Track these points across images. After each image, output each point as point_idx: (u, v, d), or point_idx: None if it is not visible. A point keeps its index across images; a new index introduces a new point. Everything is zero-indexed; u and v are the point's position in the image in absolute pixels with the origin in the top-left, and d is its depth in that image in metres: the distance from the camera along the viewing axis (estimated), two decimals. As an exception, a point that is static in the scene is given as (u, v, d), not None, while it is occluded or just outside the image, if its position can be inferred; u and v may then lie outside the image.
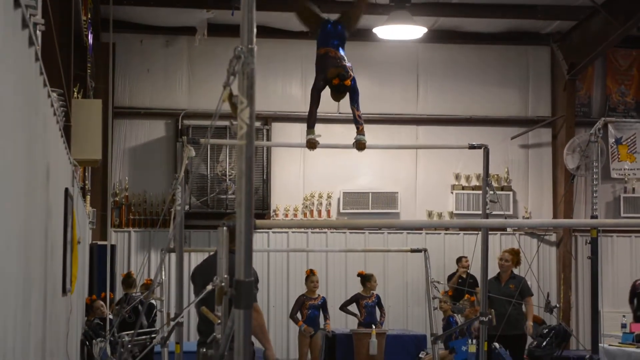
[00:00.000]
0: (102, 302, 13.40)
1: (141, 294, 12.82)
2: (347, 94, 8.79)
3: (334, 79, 8.68)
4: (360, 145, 8.93)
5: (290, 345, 17.23)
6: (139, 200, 17.55)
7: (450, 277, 16.52)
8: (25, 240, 4.74)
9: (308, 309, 14.54)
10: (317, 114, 8.96)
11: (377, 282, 15.32)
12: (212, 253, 8.38)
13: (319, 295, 14.71)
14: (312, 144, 8.92)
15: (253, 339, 7.75)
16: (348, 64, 8.78)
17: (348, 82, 8.68)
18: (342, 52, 8.84)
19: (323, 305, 14.68)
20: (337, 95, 8.84)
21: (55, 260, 7.08)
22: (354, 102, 8.79)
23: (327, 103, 9.25)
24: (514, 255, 12.68)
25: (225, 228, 6.32)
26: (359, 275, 15.33)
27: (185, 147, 9.53)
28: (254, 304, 7.59)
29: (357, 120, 8.85)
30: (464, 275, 16.40)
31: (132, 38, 17.54)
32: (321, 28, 8.91)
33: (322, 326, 14.75)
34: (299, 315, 14.64)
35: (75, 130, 10.46)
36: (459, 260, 16.90)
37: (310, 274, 14.79)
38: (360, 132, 8.88)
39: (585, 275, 17.78)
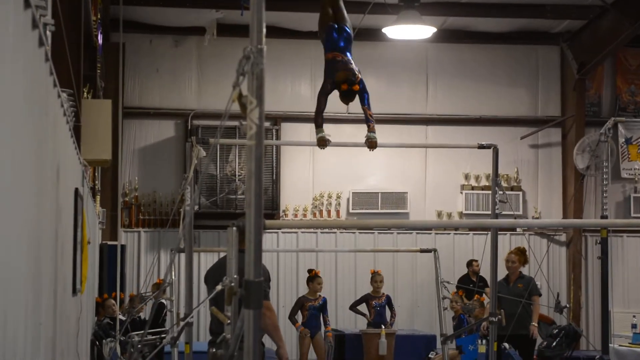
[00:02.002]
0: (113, 301, 13.43)
1: (152, 294, 12.85)
2: (357, 96, 8.85)
3: (342, 83, 8.74)
4: (371, 143, 8.98)
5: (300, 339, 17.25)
6: (149, 201, 17.57)
7: (460, 280, 16.49)
8: (35, 240, 4.75)
9: (308, 310, 14.51)
10: (327, 115, 9.02)
11: (383, 282, 15.26)
12: (223, 255, 8.40)
13: (319, 296, 14.68)
14: (323, 142, 8.95)
15: (265, 337, 7.78)
16: (355, 68, 8.82)
17: (356, 87, 8.76)
18: (349, 56, 8.88)
19: (323, 307, 14.62)
20: (346, 99, 8.92)
21: (65, 261, 7.10)
22: (365, 102, 8.87)
23: (336, 103, 9.26)
24: (520, 256, 12.65)
25: (234, 228, 6.33)
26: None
27: (194, 147, 9.54)
28: (267, 302, 7.65)
29: (369, 119, 8.94)
30: (474, 279, 16.39)
31: (142, 38, 17.57)
32: (327, 32, 8.95)
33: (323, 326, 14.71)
34: (299, 316, 14.61)
35: (85, 130, 10.48)
36: (469, 264, 16.88)
37: (316, 276, 14.74)
38: (371, 129, 8.97)
39: (595, 276, 17.76)
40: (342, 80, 8.73)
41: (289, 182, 17.81)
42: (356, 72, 8.80)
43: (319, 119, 8.92)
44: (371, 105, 8.96)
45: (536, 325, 12.41)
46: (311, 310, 14.48)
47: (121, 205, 17.04)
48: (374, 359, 14.59)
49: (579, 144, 17.96)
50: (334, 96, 8.95)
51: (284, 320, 17.10)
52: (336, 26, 8.93)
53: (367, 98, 8.89)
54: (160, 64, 17.74)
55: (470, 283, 16.10)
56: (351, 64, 8.82)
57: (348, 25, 9.02)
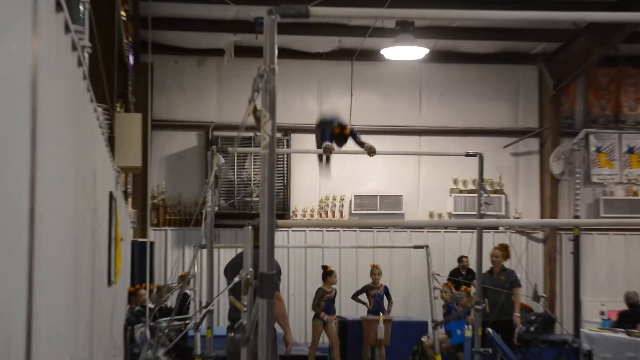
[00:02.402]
0: (144, 291, 13.43)
1: (178, 285, 12.84)
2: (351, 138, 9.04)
3: (336, 128, 9.02)
4: (370, 150, 8.99)
5: (307, 330, 17.24)
6: (174, 202, 17.58)
7: (452, 273, 16.47)
8: (75, 237, 4.76)
9: (325, 300, 14.51)
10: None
11: (381, 274, 15.21)
12: (240, 250, 8.41)
13: (333, 288, 14.70)
14: (328, 149, 8.98)
15: (275, 324, 7.78)
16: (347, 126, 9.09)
17: (347, 131, 8.98)
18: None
19: (334, 298, 14.66)
20: (339, 143, 9.08)
21: (101, 255, 7.11)
22: (356, 138, 9.07)
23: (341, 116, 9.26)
24: (504, 251, 12.67)
25: (250, 227, 6.35)
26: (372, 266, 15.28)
27: (214, 155, 9.54)
28: (277, 293, 7.66)
29: (363, 144, 9.08)
30: (464, 272, 16.40)
31: (168, 59, 17.59)
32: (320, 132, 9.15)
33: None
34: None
35: (118, 140, 10.49)
36: (459, 259, 16.86)
37: (332, 272, 14.76)
38: (366, 144, 9.09)
39: (568, 269, 17.75)
40: (336, 135, 9.01)
41: (298, 186, 17.81)
42: (347, 130, 9.02)
43: (320, 143, 9.16)
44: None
45: (519, 315, 12.41)
46: (327, 302, 14.48)
47: (150, 206, 17.09)
48: (373, 342, 14.58)
49: (554, 152, 17.95)
50: (338, 108, 9.04)
51: (294, 308, 17.16)
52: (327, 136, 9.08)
53: (357, 135, 9.08)
54: (185, 82, 17.76)
55: (460, 276, 16.10)
56: (340, 130, 9.06)
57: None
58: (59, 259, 3.96)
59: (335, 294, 14.74)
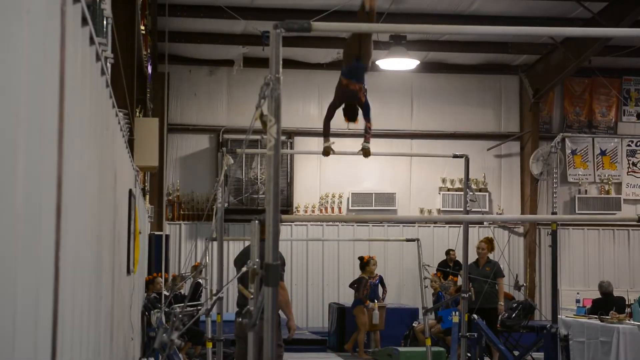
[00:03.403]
0: (161, 279, 13.43)
1: (191, 275, 12.83)
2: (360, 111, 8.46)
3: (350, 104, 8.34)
4: (365, 152, 8.56)
5: (308, 315, 17.26)
6: (188, 199, 17.58)
7: (440, 264, 16.46)
8: (97, 230, 4.76)
9: (369, 288, 14.38)
10: (331, 130, 8.74)
11: (377, 265, 15.15)
12: (248, 243, 8.36)
13: (376, 275, 14.61)
14: (327, 152, 8.70)
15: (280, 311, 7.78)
16: (364, 91, 8.39)
17: (362, 98, 8.35)
18: (361, 82, 8.42)
19: (377, 285, 14.60)
20: (350, 114, 8.35)
21: (121, 247, 7.11)
22: (366, 115, 8.32)
23: (339, 121, 9.19)
24: (489, 244, 12.66)
25: (257, 221, 6.34)
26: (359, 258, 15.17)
27: (224, 156, 9.53)
28: (281, 282, 7.63)
29: (367, 131, 8.38)
30: (451, 264, 16.39)
31: (183, 68, 17.58)
32: (348, 63, 8.32)
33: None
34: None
35: (137, 142, 10.48)
36: (447, 252, 16.85)
37: (370, 260, 14.63)
38: (366, 140, 8.39)
39: (547, 261, 17.74)
40: (349, 105, 8.37)
41: (300, 185, 17.81)
42: (362, 98, 8.25)
43: (326, 130, 8.41)
44: (371, 120, 8.54)
45: (502, 304, 12.41)
46: (372, 288, 14.38)
47: (165, 202, 17.09)
48: (369, 327, 14.56)
49: (534, 155, 17.95)
50: (338, 116, 8.69)
51: (296, 295, 17.15)
52: (356, 62, 8.18)
53: (369, 112, 8.34)
54: (198, 89, 17.76)
55: (448, 267, 16.10)
56: (360, 90, 8.23)
57: (367, 62, 8.24)
58: (82, 250, 3.96)
59: (380, 280, 14.63)
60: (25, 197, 2.36)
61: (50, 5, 2.75)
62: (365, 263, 14.65)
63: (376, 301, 14.59)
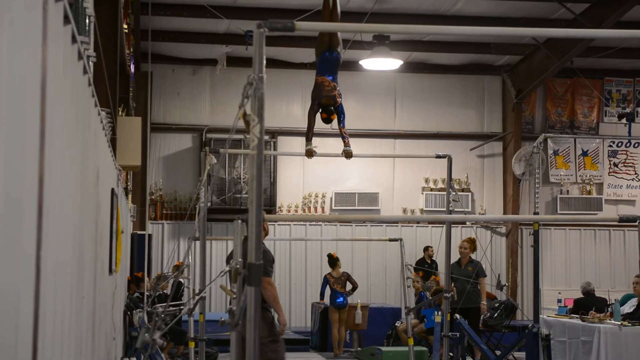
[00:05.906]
0: (147, 278, 13.41)
1: (173, 274, 12.79)
2: (336, 117, 8.65)
3: (325, 107, 8.55)
4: (347, 154, 8.76)
5: (292, 312, 17.25)
6: (171, 198, 17.53)
7: (418, 262, 16.50)
8: (79, 230, 4.74)
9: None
10: (314, 130, 8.87)
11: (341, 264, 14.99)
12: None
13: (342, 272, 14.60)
14: (310, 153, 8.82)
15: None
16: (338, 92, 8.61)
17: (333, 117, 8.58)
18: (335, 79, 8.62)
19: (349, 279, 14.60)
20: (327, 115, 8.56)
21: (103, 246, 7.08)
22: (341, 122, 8.62)
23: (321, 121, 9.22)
24: (471, 244, 12.69)
25: (240, 221, 6.33)
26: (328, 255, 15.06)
27: (207, 155, 9.53)
28: (268, 278, 7.64)
29: (344, 136, 8.68)
30: (429, 261, 16.43)
31: (166, 68, 17.54)
32: (320, 58, 8.65)
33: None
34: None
35: (119, 141, 10.45)
36: (425, 249, 16.91)
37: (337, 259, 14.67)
38: (346, 145, 8.66)
39: (528, 260, 17.81)
40: (325, 105, 8.56)
41: (283, 184, 17.80)
42: (337, 98, 8.51)
43: (309, 134, 8.65)
44: (349, 123, 8.76)
45: (485, 304, 12.44)
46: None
47: (148, 202, 17.05)
48: (351, 326, 14.58)
49: (516, 155, 18.01)
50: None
51: (284, 294, 17.11)
52: (327, 53, 8.51)
53: (344, 119, 8.63)
54: (181, 89, 17.72)
55: (425, 264, 16.15)
56: (335, 89, 8.51)
57: (339, 50, 8.57)
58: (64, 250, 3.94)
59: (347, 277, 14.59)
60: (6, 196, 2.35)
61: (32, 3, 2.74)
62: (335, 259, 14.57)
63: (359, 301, 14.60)
